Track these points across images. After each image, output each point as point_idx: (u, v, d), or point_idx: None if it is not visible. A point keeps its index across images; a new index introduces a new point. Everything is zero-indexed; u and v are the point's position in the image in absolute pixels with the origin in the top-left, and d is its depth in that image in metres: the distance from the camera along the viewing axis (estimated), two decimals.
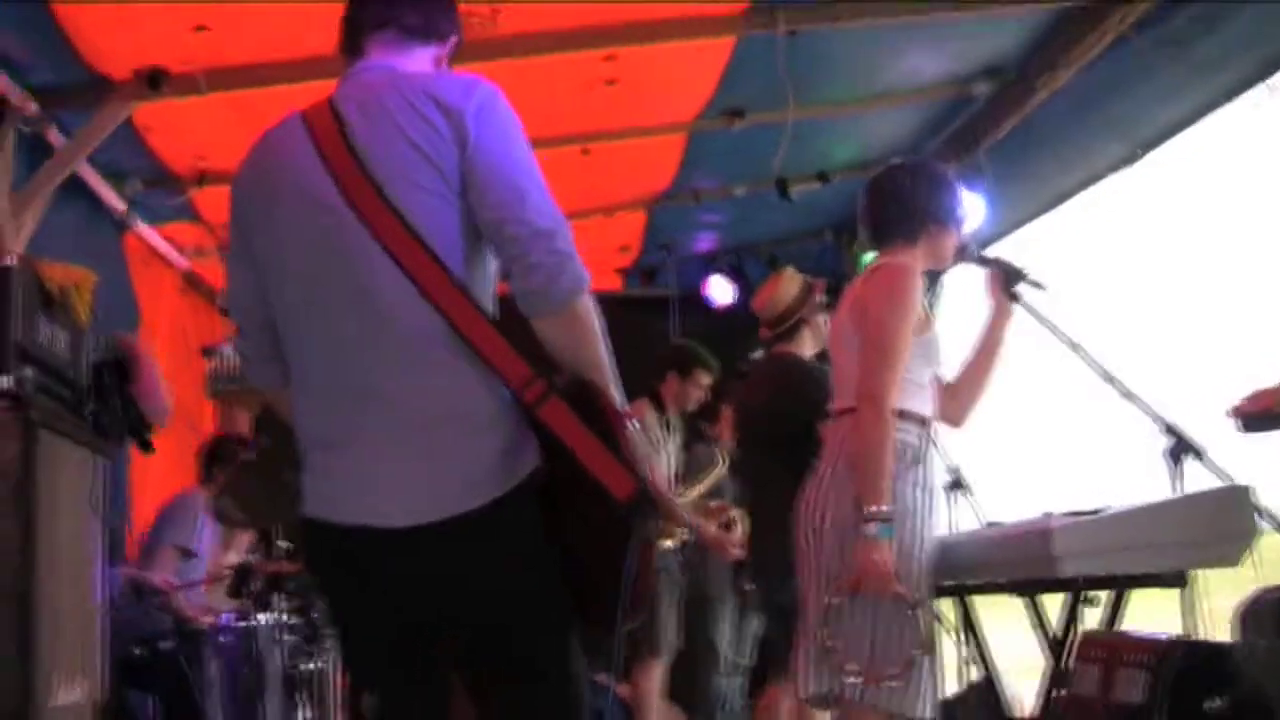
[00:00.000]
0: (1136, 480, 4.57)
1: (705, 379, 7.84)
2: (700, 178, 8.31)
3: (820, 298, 6.38)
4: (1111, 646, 3.66)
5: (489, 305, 3.02)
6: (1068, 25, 6.15)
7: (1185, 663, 3.33)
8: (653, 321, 9.35)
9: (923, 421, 4.50)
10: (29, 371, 3.85)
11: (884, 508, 4.22)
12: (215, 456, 6.91)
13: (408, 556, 2.96)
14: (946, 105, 7.33)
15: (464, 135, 2.96)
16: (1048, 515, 4.13)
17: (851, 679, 4.28)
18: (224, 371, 7.14)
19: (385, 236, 2.93)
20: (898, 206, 4.66)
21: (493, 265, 3.06)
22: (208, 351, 7.43)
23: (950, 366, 4.79)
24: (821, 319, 6.27)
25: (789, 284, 6.42)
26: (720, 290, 9.88)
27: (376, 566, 3.00)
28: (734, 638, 8.48)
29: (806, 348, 6.37)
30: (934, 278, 8.44)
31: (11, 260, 3.76)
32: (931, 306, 8.28)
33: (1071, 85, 6.46)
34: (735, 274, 9.87)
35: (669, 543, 7.72)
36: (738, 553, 7.52)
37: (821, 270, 9.57)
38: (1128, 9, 5.74)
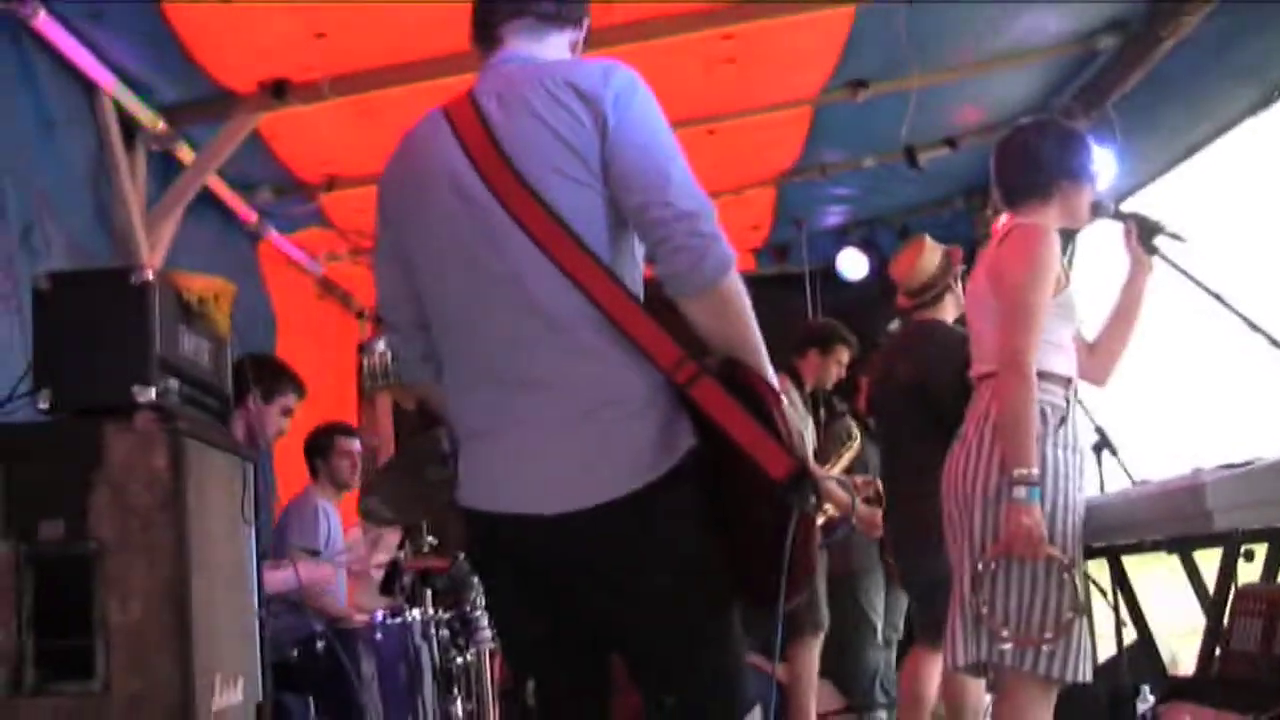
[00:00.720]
0: None
1: (845, 356, 7.82)
2: (827, 151, 8.26)
3: (959, 266, 6.36)
4: (1272, 600, 3.57)
5: (637, 289, 3.03)
6: None
7: None
8: (787, 299, 9.29)
9: (1066, 382, 4.44)
10: (174, 383, 3.91)
11: (1032, 470, 4.17)
12: (317, 449, 6.95)
13: (566, 543, 2.98)
14: (1071, 62, 7.21)
15: (604, 121, 2.97)
16: (1198, 470, 4.05)
17: (1006, 645, 4.24)
18: (378, 368, 7.16)
19: (532, 225, 2.95)
20: (1028, 166, 4.60)
21: (639, 249, 3.07)
22: (362, 348, 7.45)
23: (1090, 324, 4.72)
24: (960, 286, 6.27)
25: (931, 253, 6.53)
26: (853, 264, 9.82)
27: (534, 554, 3.04)
28: (885, 610, 8.44)
29: (949, 314, 6.38)
30: (1069, 236, 8.34)
31: (150, 274, 3.80)
32: (1068, 265, 8.20)
33: (1198, 33, 6.31)
34: (867, 247, 9.81)
35: (821, 519, 7.68)
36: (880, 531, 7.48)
37: (954, 237, 9.50)
38: None
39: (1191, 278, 4.48)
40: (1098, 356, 4.70)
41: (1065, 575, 4.20)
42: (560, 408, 2.97)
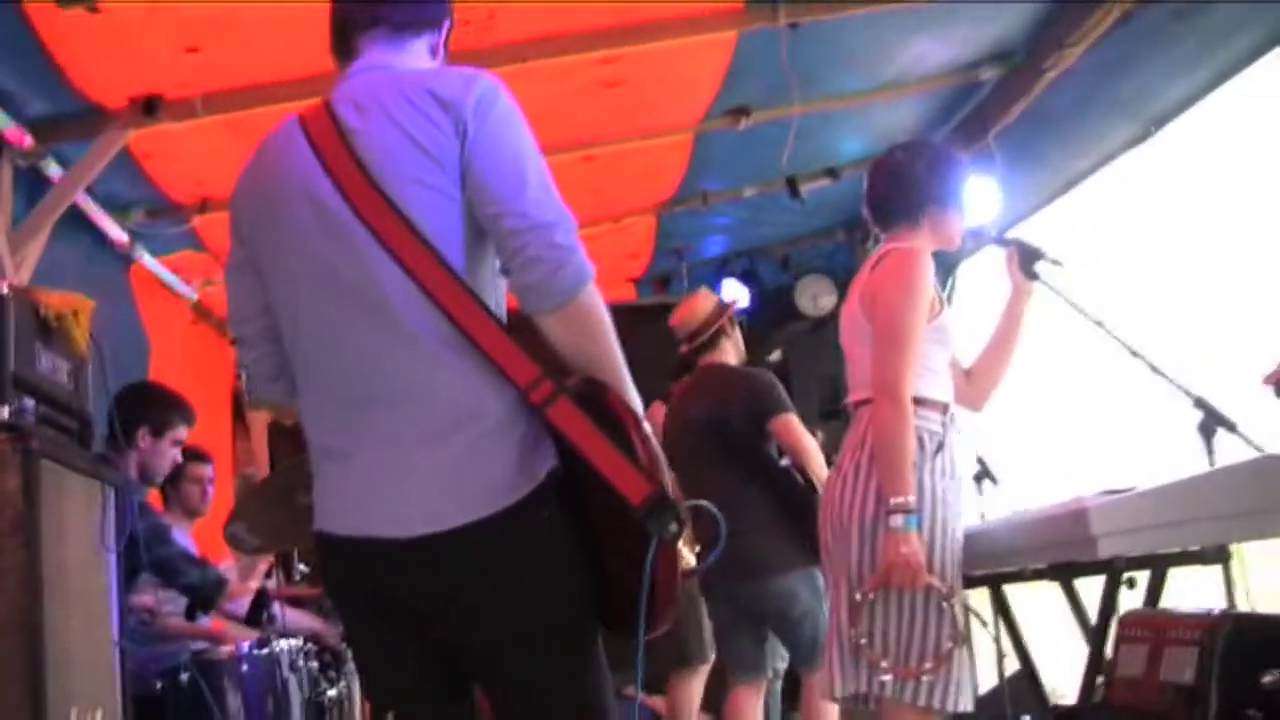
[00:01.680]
0: (1167, 460, 4.47)
1: None
2: (708, 180, 8.23)
3: (732, 313, 6.83)
4: (1156, 625, 3.54)
5: (498, 306, 2.94)
6: (1073, 3, 6.05)
7: (1237, 637, 3.22)
8: (668, 329, 9.25)
9: (944, 408, 4.42)
10: (29, 402, 3.78)
11: (909, 499, 4.13)
12: (167, 476, 6.70)
13: (422, 569, 2.86)
14: (954, 93, 7.27)
15: (464, 129, 2.87)
16: (1080, 497, 4.02)
17: (885, 676, 4.19)
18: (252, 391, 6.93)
19: (387, 236, 2.84)
20: (898, 188, 4.59)
21: (498, 264, 2.97)
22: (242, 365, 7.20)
23: (968, 351, 4.70)
24: (737, 333, 6.80)
25: (705, 301, 6.88)
26: (734, 295, 9.79)
27: (390, 581, 2.91)
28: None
29: (730, 357, 6.73)
30: (949, 266, 8.38)
31: (4, 287, 3.67)
32: (948, 293, 8.24)
33: (1080, 65, 6.36)
34: (748, 278, 9.80)
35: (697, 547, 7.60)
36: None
37: (836, 268, 9.59)
38: None
39: (1072, 304, 4.46)
40: (975, 382, 4.69)
41: (944, 604, 4.16)
42: (416, 426, 2.86)
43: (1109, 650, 3.96)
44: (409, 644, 2.98)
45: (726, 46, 6.16)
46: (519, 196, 2.84)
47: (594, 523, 2.93)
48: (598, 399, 2.86)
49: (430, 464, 2.85)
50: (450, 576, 2.85)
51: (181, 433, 5.92)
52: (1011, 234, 5.11)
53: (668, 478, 2.81)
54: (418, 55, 3.18)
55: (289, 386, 3.15)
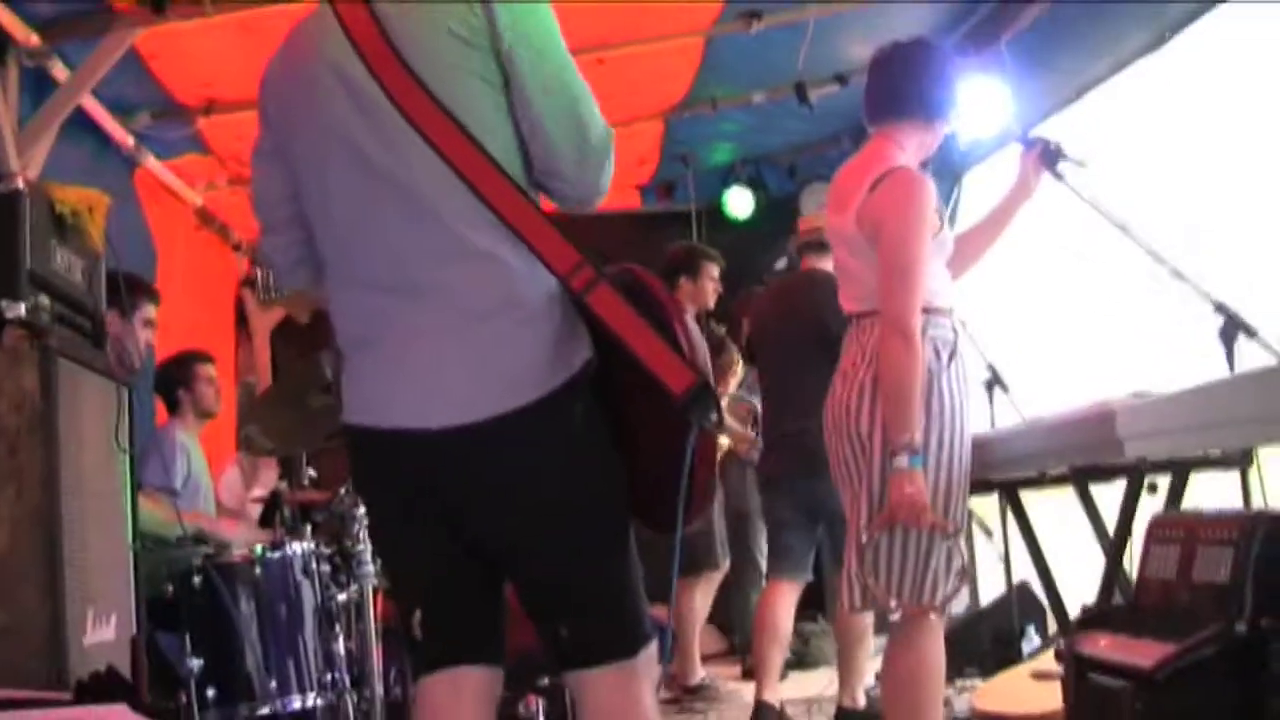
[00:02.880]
0: (1186, 367, 4.43)
1: (714, 270, 7.64)
2: (717, 85, 8.14)
3: None
4: (1188, 526, 3.51)
5: (532, 191, 2.90)
6: None
7: (1272, 534, 3.19)
8: (673, 237, 9.18)
9: (950, 313, 4.35)
10: (44, 300, 3.73)
11: (914, 437, 4.08)
12: (177, 379, 6.56)
13: (453, 459, 2.83)
14: None
15: (501, 23, 2.82)
16: (1106, 400, 3.98)
17: (894, 616, 4.19)
18: (272, 280, 6.81)
19: (423, 123, 2.79)
20: (887, 81, 4.52)
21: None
22: (256, 260, 7.10)
23: None
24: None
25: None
26: (740, 202, 9.75)
27: (421, 471, 2.88)
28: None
29: (829, 266, 6.45)
30: (955, 174, 8.33)
31: (20, 182, 3.60)
32: (953, 204, 8.18)
33: None
34: (754, 185, 9.74)
35: (725, 441, 7.62)
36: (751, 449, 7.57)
37: None
38: None
39: (1095, 206, 4.40)
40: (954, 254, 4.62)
41: (951, 544, 4.13)
42: (449, 314, 2.82)
43: (1134, 554, 3.94)
44: (438, 538, 2.95)
45: None
46: (555, 98, 2.85)
47: (627, 414, 2.90)
48: (638, 286, 2.84)
49: (462, 353, 2.81)
50: (481, 468, 2.82)
51: (149, 311, 5.81)
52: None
53: (708, 366, 2.79)
54: None
55: (312, 273, 3.11)
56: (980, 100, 6.96)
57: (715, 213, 9.83)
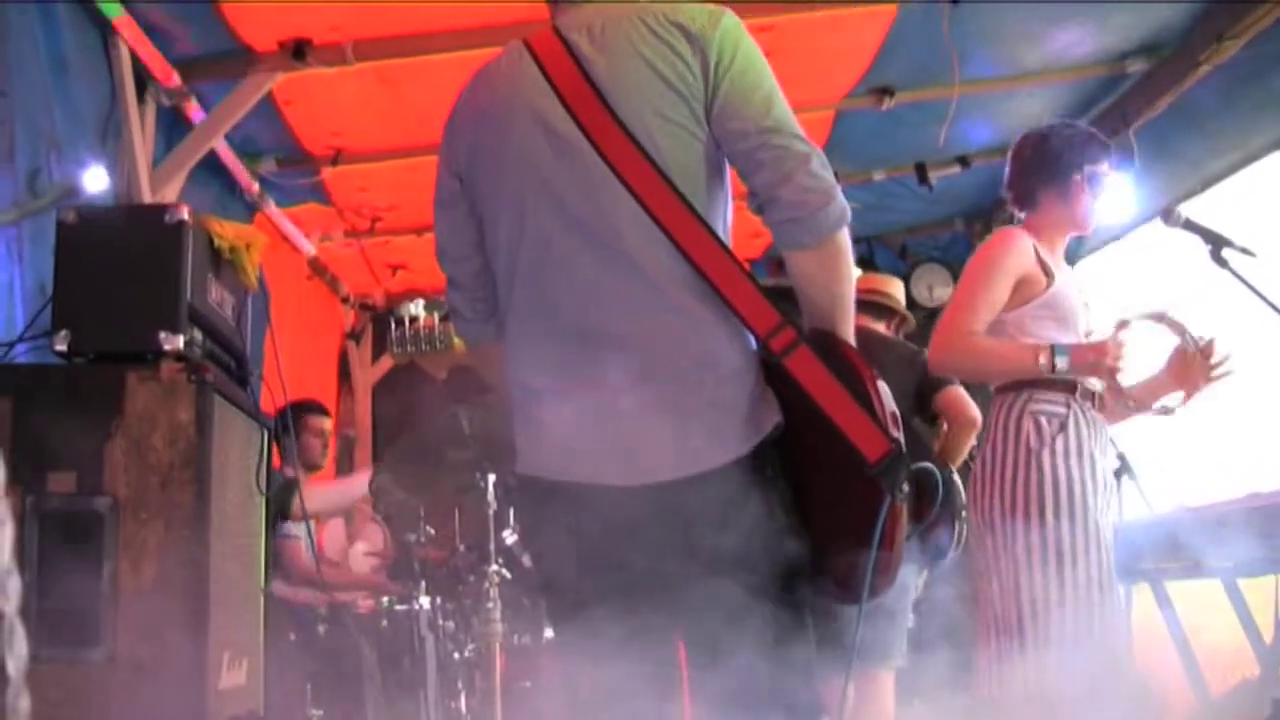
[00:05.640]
0: None
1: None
2: (841, 161, 8.06)
3: None
4: None
5: (730, 245, 2.81)
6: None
7: None
8: (783, 313, 9.11)
9: (1068, 388, 4.22)
10: (198, 334, 3.68)
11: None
12: (285, 428, 6.54)
13: (640, 515, 2.74)
14: (1097, 83, 7.07)
15: (714, 62, 2.77)
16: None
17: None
18: (408, 335, 6.70)
19: (622, 167, 2.73)
20: (1020, 170, 4.49)
21: (731, 205, 2.85)
22: (393, 314, 7.02)
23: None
24: None
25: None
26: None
27: (607, 526, 2.78)
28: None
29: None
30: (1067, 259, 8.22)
31: (186, 213, 3.56)
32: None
33: (1234, 60, 6.18)
34: (866, 264, 9.65)
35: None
36: None
37: (950, 260, 9.40)
38: None
39: (1263, 296, 4.27)
40: None
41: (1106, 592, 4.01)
42: (642, 368, 2.74)
43: None
44: (612, 588, 2.84)
45: (885, 19, 6.01)
46: (779, 130, 2.75)
47: (815, 480, 2.80)
48: (833, 350, 2.75)
49: (661, 410, 2.73)
50: (670, 526, 2.73)
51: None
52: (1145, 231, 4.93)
53: (901, 435, 2.69)
54: None
55: (497, 326, 3.03)
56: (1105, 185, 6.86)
57: None
